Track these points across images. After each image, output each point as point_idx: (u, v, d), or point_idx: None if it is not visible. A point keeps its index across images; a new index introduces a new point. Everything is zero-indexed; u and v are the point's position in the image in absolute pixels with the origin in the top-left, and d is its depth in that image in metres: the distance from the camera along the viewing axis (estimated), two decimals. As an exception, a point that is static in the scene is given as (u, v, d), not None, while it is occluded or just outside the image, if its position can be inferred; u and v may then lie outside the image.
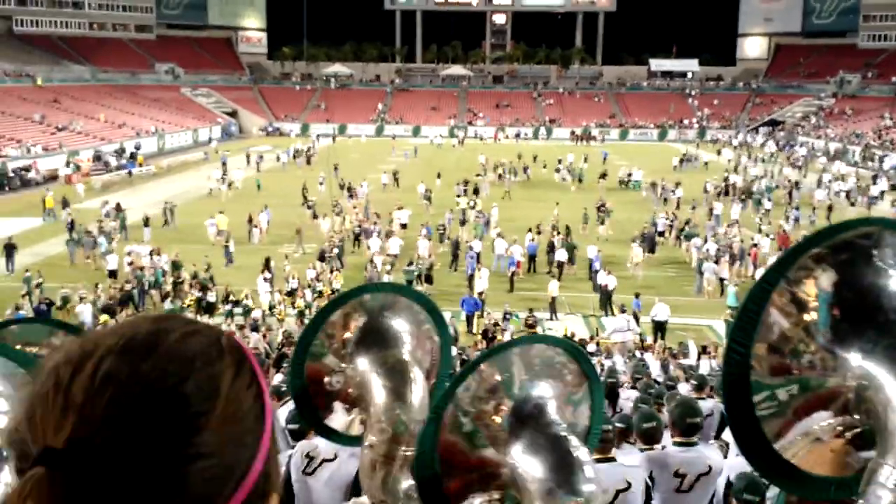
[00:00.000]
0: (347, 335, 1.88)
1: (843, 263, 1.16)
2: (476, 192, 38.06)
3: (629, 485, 4.69)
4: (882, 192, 40.21)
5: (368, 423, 1.80)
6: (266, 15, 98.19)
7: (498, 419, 1.54)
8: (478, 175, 40.68)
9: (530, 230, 27.84)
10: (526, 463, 1.43)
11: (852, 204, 37.49)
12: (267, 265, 24.06)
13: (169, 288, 23.19)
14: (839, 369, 1.13)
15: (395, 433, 1.72)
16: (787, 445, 1.22)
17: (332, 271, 24.54)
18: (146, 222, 30.28)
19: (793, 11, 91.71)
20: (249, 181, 42.85)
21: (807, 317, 1.17)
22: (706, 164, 52.21)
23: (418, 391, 1.78)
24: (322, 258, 25.71)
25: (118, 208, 32.77)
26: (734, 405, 1.22)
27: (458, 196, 36.67)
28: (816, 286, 1.17)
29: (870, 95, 73.85)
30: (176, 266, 24.27)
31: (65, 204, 33.88)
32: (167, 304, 22.12)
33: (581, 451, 1.43)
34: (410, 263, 24.73)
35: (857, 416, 1.14)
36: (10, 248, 26.33)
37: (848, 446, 1.17)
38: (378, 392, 1.76)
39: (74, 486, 0.69)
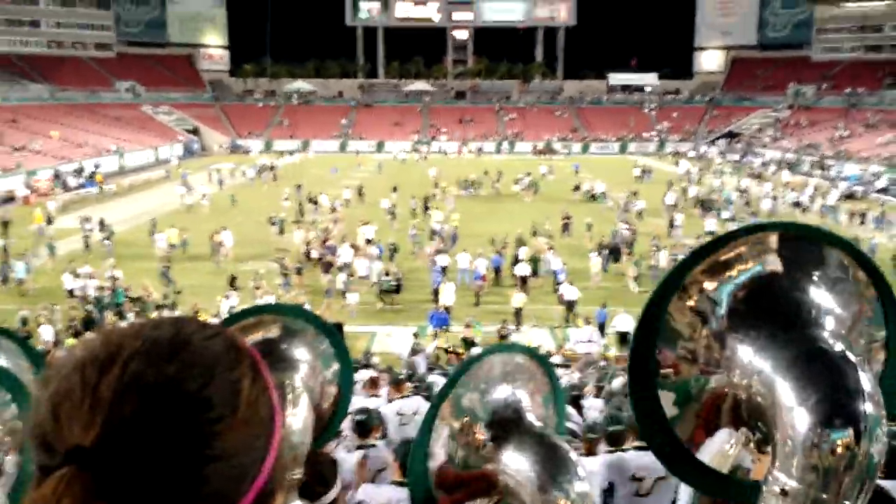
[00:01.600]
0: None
1: (753, 262, 1.16)
2: (426, 207, 38.06)
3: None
4: (837, 202, 40.93)
5: None
6: (227, 32, 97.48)
7: (480, 435, 1.56)
8: (433, 193, 40.98)
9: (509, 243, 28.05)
10: (516, 464, 1.46)
11: (804, 212, 38.03)
12: (232, 283, 23.91)
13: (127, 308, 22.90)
14: (730, 365, 1.13)
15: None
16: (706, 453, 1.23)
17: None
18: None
19: (748, 25, 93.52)
20: (216, 198, 42.52)
21: (705, 316, 1.17)
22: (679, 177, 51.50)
23: (301, 415, 1.72)
24: (327, 269, 25.64)
25: (102, 224, 32.52)
26: (641, 405, 1.22)
27: (414, 210, 36.76)
28: (719, 284, 1.17)
29: (824, 107, 75.45)
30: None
31: (49, 220, 33.80)
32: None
33: (568, 449, 1.46)
34: (387, 274, 24.88)
35: (752, 421, 1.15)
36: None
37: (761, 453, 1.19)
38: None
39: (103, 484, 0.72)
